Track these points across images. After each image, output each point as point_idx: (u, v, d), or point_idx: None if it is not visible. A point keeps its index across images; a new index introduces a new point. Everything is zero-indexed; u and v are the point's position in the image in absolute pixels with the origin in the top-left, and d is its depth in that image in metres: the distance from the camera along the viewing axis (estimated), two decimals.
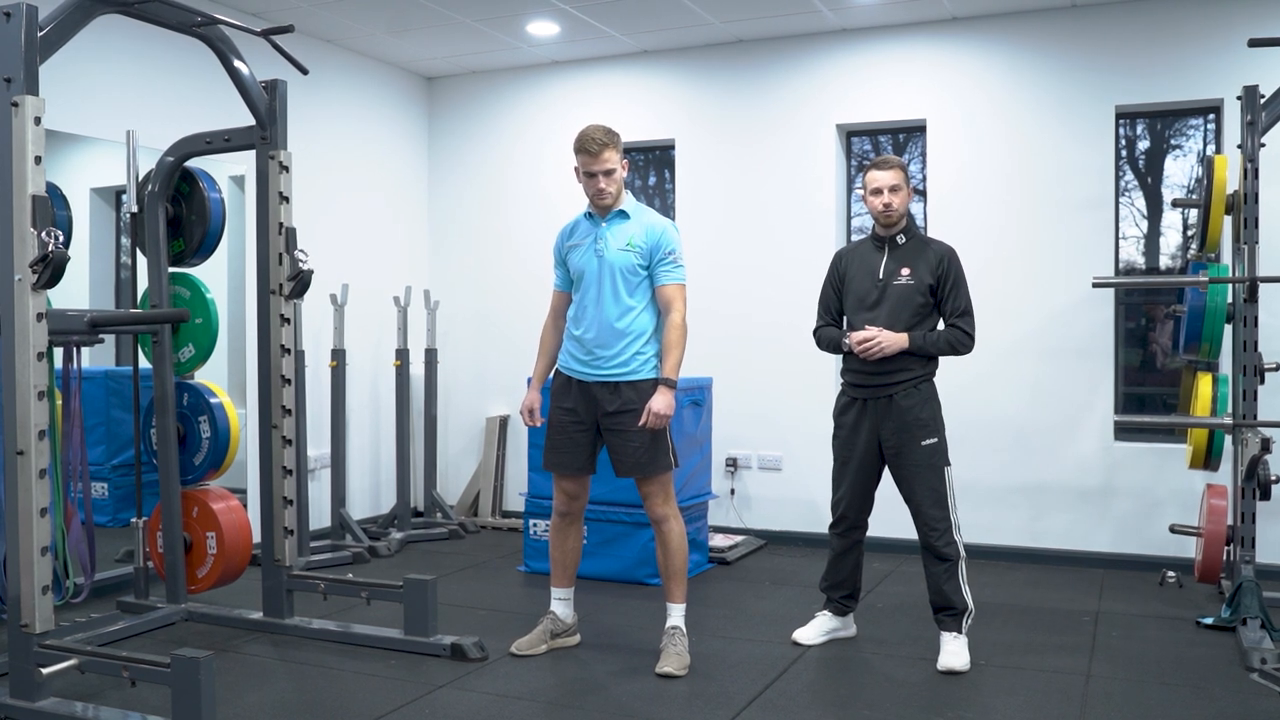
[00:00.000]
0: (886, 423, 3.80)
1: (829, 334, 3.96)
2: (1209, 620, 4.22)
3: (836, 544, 4.01)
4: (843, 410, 3.93)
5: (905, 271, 3.80)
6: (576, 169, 3.74)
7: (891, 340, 3.73)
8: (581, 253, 3.77)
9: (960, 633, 3.78)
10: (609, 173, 3.66)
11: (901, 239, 3.86)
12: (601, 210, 3.74)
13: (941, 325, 3.86)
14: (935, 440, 3.78)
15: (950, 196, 5.63)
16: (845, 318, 3.95)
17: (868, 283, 3.85)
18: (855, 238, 6.01)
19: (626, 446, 3.69)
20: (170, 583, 4.29)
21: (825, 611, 4.08)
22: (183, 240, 4.40)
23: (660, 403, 3.60)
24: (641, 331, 3.71)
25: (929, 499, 3.76)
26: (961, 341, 3.78)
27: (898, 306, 3.78)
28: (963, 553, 3.79)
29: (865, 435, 3.84)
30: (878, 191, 3.80)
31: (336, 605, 4.42)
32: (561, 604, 3.95)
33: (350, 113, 6.19)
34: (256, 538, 4.38)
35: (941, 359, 3.88)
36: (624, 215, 3.74)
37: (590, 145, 3.64)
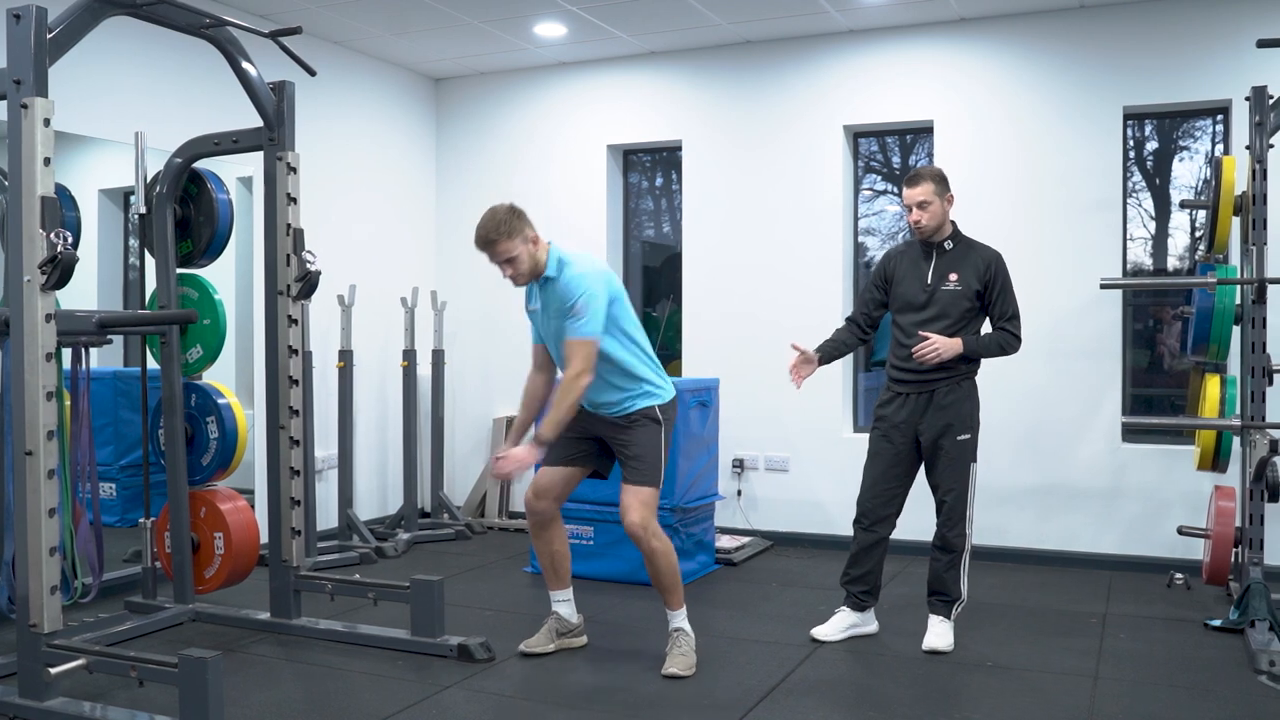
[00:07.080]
0: (926, 416, 3.91)
1: (843, 332, 4.15)
2: (1217, 622, 4.21)
3: (861, 538, 4.04)
4: (884, 404, 4.04)
5: (953, 277, 3.90)
6: None
7: (947, 345, 3.84)
8: (537, 319, 3.76)
9: (948, 618, 3.94)
10: (511, 260, 3.57)
11: (949, 245, 3.97)
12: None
13: (988, 327, 3.98)
14: (969, 437, 3.92)
15: (957, 197, 5.59)
16: (893, 318, 4.05)
17: (916, 286, 3.95)
18: (863, 240, 6.02)
19: (623, 453, 3.73)
20: (178, 583, 4.30)
21: (844, 607, 4.12)
22: (191, 241, 4.42)
23: (516, 454, 3.55)
24: (619, 379, 3.66)
25: (952, 492, 3.90)
26: (1010, 343, 3.93)
27: (946, 310, 3.89)
28: (969, 546, 3.92)
29: (903, 429, 3.95)
30: (908, 208, 3.93)
31: (343, 606, 4.42)
32: (563, 605, 3.95)
33: (358, 114, 6.21)
34: (264, 538, 4.39)
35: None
36: (550, 280, 3.65)
37: (482, 248, 3.58)
